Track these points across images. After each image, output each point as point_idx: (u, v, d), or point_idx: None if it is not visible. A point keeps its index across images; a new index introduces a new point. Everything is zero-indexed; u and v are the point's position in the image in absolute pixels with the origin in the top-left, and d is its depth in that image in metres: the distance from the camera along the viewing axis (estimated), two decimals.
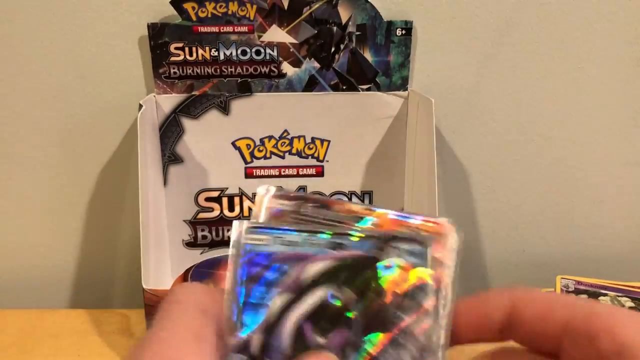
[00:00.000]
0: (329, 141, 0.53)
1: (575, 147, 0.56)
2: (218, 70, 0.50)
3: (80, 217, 0.56)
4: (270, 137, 0.53)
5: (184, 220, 0.54)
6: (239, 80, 0.50)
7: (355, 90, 0.51)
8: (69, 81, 0.51)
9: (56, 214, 0.56)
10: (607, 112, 0.54)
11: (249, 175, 0.53)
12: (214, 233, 0.55)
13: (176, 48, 0.49)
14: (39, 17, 0.49)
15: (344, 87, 0.51)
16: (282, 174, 0.54)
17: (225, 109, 0.51)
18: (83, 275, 0.58)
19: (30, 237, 0.57)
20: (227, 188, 0.54)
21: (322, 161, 0.54)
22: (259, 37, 0.49)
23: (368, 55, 0.50)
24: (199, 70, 0.50)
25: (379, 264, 0.21)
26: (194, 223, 0.54)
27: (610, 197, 0.58)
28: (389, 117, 0.52)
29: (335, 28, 0.49)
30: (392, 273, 0.21)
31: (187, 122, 0.51)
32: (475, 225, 0.58)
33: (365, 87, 0.51)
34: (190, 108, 0.51)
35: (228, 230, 0.55)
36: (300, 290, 0.20)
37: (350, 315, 0.20)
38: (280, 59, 0.50)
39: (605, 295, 0.54)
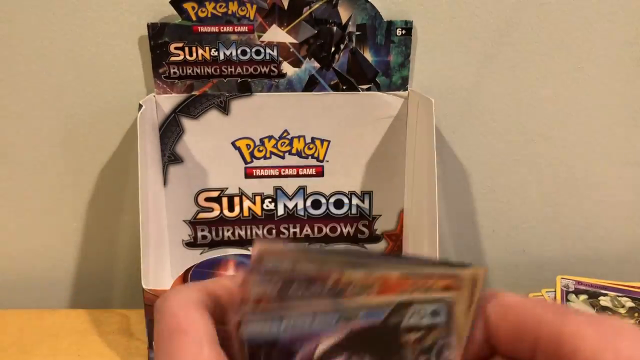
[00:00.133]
0: (329, 141, 0.53)
1: (575, 147, 0.56)
2: (218, 70, 0.50)
3: (80, 217, 0.56)
4: (270, 137, 0.53)
5: (184, 220, 0.54)
6: (239, 80, 0.50)
7: (355, 90, 0.51)
8: (69, 81, 0.51)
9: (56, 214, 0.56)
10: (607, 112, 0.54)
11: (249, 175, 0.53)
12: (213, 233, 0.55)
13: (176, 48, 0.49)
14: (39, 17, 0.49)
15: (344, 87, 0.51)
16: (282, 174, 0.54)
17: (225, 109, 0.51)
18: (83, 275, 0.58)
19: (30, 237, 0.57)
20: (227, 188, 0.54)
21: (322, 161, 0.54)
22: (259, 37, 0.49)
23: (368, 55, 0.50)
24: (198, 70, 0.50)
25: (400, 326, 0.19)
26: (193, 223, 0.54)
27: (610, 197, 0.58)
28: (389, 117, 0.52)
29: (335, 28, 0.49)
30: (413, 335, 0.19)
31: (187, 122, 0.51)
32: (475, 225, 0.58)
33: (365, 87, 0.51)
34: (190, 108, 0.51)
35: (228, 230, 0.55)
36: None
37: None
38: (280, 59, 0.50)
39: (605, 295, 0.54)
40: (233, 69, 0.50)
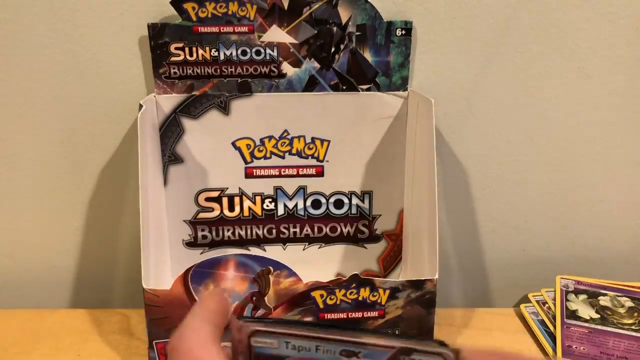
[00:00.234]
0: (329, 141, 0.53)
1: (575, 147, 0.56)
2: (218, 70, 0.50)
3: (80, 217, 0.56)
4: (270, 137, 0.53)
5: (184, 220, 0.54)
6: (239, 81, 0.51)
7: (355, 90, 0.51)
8: (70, 81, 0.51)
9: (56, 214, 0.56)
10: (607, 112, 0.55)
11: (249, 175, 0.54)
12: (214, 233, 0.55)
13: (176, 48, 0.49)
14: (39, 17, 0.49)
15: (344, 87, 0.51)
16: (282, 174, 0.54)
17: (225, 109, 0.51)
18: (83, 275, 0.58)
19: (30, 237, 0.57)
20: (227, 188, 0.54)
21: (322, 161, 0.54)
22: (259, 37, 0.49)
23: (368, 56, 0.50)
24: (199, 71, 0.50)
25: None
26: (194, 223, 0.54)
27: (610, 197, 0.58)
28: (389, 117, 0.52)
29: (335, 28, 0.49)
30: None
31: (187, 122, 0.51)
32: (475, 225, 0.58)
33: (365, 87, 0.51)
34: (191, 108, 0.51)
35: (228, 230, 0.55)
36: None
37: None
38: (280, 59, 0.50)
39: (604, 295, 0.54)
40: (233, 69, 0.50)
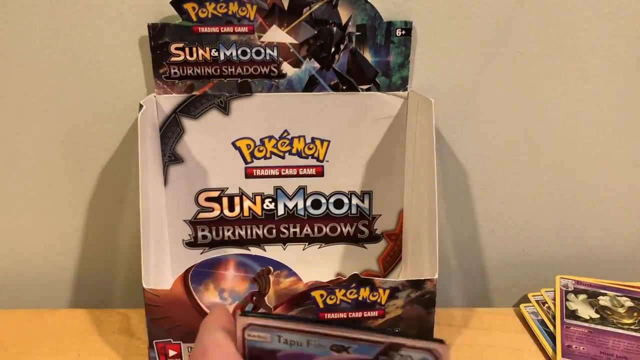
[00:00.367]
0: (329, 141, 0.53)
1: (575, 147, 0.56)
2: (218, 70, 0.50)
3: (80, 217, 0.56)
4: (270, 137, 0.53)
5: (184, 220, 0.54)
6: (239, 81, 0.51)
7: (355, 91, 0.51)
8: (69, 81, 0.51)
9: (56, 214, 0.56)
10: (607, 112, 0.55)
11: (249, 175, 0.54)
12: (214, 233, 0.55)
13: (176, 48, 0.49)
14: (39, 17, 0.49)
15: (344, 87, 0.51)
16: (282, 174, 0.54)
17: (225, 109, 0.51)
18: (83, 275, 0.58)
19: (30, 237, 0.57)
20: (227, 188, 0.54)
21: (322, 161, 0.54)
22: (259, 37, 0.49)
23: (368, 56, 0.50)
24: (199, 71, 0.50)
25: None
26: (194, 223, 0.54)
27: (610, 197, 0.58)
28: (389, 117, 0.53)
29: (335, 28, 0.49)
30: None
31: (187, 122, 0.51)
32: (474, 225, 0.58)
33: (365, 87, 0.51)
34: (191, 108, 0.51)
35: (228, 230, 0.55)
36: None
37: None
38: (280, 59, 0.50)
39: (604, 294, 0.55)
40: (233, 69, 0.50)
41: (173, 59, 0.49)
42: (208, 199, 0.54)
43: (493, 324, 0.53)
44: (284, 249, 0.56)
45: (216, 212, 0.54)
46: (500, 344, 0.50)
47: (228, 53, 0.49)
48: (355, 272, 0.43)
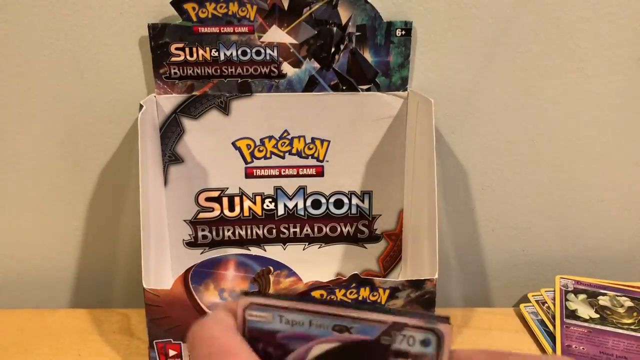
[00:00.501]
0: (329, 141, 0.53)
1: (575, 147, 0.56)
2: (218, 70, 0.50)
3: (81, 217, 0.56)
4: (270, 137, 0.53)
5: (185, 220, 0.54)
6: (239, 81, 0.51)
7: (355, 91, 0.51)
8: (70, 81, 0.51)
9: (56, 214, 0.56)
10: (607, 112, 0.55)
11: (249, 175, 0.54)
12: (214, 233, 0.55)
13: (177, 48, 0.49)
14: (39, 17, 0.49)
15: (344, 88, 0.51)
16: (282, 174, 0.54)
17: (225, 109, 0.51)
18: (83, 275, 0.58)
19: (30, 237, 0.57)
20: (227, 188, 0.54)
21: (322, 161, 0.54)
22: (259, 37, 0.49)
23: (368, 56, 0.50)
24: (199, 71, 0.50)
25: (390, 348, 0.20)
26: (194, 223, 0.54)
27: (610, 197, 0.58)
28: (389, 117, 0.53)
29: (335, 28, 0.50)
30: None
31: (187, 122, 0.51)
32: (474, 225, 0.58)
33: (365, 87, 0.51)
34: (191, 108, 0.51)
35: (228, 230, 0.55)
36: None
37: None
38: (281, 59, 0.50)
39: (604, 294, 0.55)
40: (233, 70, 0.50)
41: (173, 59, 0.49)
42: (208, 199, 0.54)
43: (493, 324, 0.53)
44: (284, 249, 0.56)
45: (216, 212, 0.54)
46: (500, 344, 0.50)
47: (228, 53, 0.49)
48: (355, 272, 0.43)
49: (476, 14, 0.51)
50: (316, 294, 0.43)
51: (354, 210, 0.55)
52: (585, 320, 0.51)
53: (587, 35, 0.52)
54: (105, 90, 0.52)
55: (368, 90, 0.51)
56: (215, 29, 0.49)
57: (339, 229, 0.56)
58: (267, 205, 0.55)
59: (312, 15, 0.49)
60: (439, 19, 0.51)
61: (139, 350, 0.49)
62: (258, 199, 0.54)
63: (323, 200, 0.55)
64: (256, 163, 0.53)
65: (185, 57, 0.49)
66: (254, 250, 0.56)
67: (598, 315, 0.52)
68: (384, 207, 0.55)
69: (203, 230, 0.55)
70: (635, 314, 0.52)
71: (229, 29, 0.49)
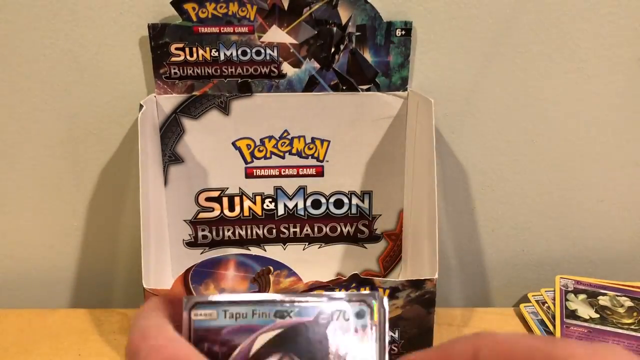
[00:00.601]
0: (329, 141, 0.53)
1: (575, 147, 0.56)
2: (218, 70, 0.50)
3: (81, 217, 0.56)
4: (270, 137, 0.53)
5: (185, 220, 0.54)
6: (239, 81, 0.51)
7: (355, 91, 0.51)
8: (70, 81, 0.51)
9: (56, 214, 0.56)
10: (607, 112, 0.55)
11: (249, 175, 0.54)
12: (214, 233, 0.55)
13: (177, 48, 0.49)
14: (39, 17, 0.49)
15: (344, 88, 0.51)
16: (282, 174, 0.54)
17: (225, 109, 0.51)
18: (83, 275, 0.58)
19: (30, 237, 0.57)
20: (227, 188, 0.54)
21: (322, 161, 0.54)
22: (259, 37, 0.49)
23: (368, 56, 0.50)
24: (199, 71, 0.50)
25: (327, 328, 0.21)
26: (194, 223, 0.54)
27: (610, 197, 0.58)
28: (389, 117, 0.53)
29: (335, 28, 0.50)
30: (339, 336, 0.21)
31: (187, 122, 0.51)
32: (475, 225, 0.58)
33: (365, 87, 0.51)
34: (191, 108, 0.51)
35: (228, 230, 0.55)
36: None
37: None
38: (281, 59, 0.50)
39: (604, 294, 0.55)
40: (233, 70, 0.50)
41: (173, 59, 0.49)
42: (208, 199, 0.54)
43: (493, 324, 0.53)
44: (284, 249, 0.56)
45: (216, 212, 0.54)
46: None
47: (228, 53, 0.49)
48: (355, 272, 0.43)
49: (476, 14, 0.51)
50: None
51: (354, 210, 0.55)
52: (585, 320, 0.51)
53: (587, 35, 0.52)
54: (105, 90, 0.52)
55: (368, 90, 0.52)
56: (215, 29, 0.49)
57: (339, 229, 0.56)
58: (267, 205, 0.55)
59: (312, 15, 0.49)
60: (439, 19, 0.51)
61: None
62: (258, 199, 0.54)
63: (323, 200, 0.55)
64: (256, 163, 0.53)
65: (185, 57, 0.49)
66: (254, 250, 0.56)
67: (598, 315, 0.52)
68: (384, 207, 0.55)
69: (203, 230, 0.55)
70: (635, 314, 0.52)
71: (229, 29, 0.49)
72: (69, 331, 0.52)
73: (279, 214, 0.55)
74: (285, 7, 0.49)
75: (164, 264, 0.53)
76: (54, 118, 0.52)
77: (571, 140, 0.55)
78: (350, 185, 0.55)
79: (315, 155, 0.53)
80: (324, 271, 0.57)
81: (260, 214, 0.55)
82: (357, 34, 0.50)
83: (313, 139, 0.53)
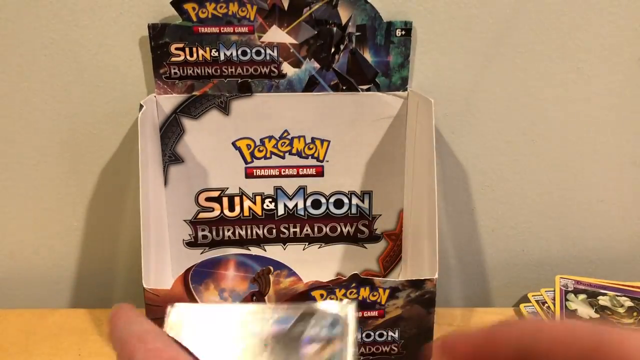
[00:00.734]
0: (329, 141, 0.53)
1: (575, 147, 0.56)
2: (218, 70, 0.50)
3: (81, 217, 0.56)
4: (270, 137, 0.53)
5: (185, 220, 0.54)
6: (239, 81, 0.51)
7: (355, 91, 0.51)
8: (70, 81, 0.51)
9: (56, 214, 0.56)
10: (607, 112, 0.55)
11: (249, 175, 0.54)
12: (214, 233, 0.55)
13: (177, 48, 0.49)
14: (39, 17, 0.49)
15: (344, 88, 0.51)
16: (282, 174, 0.54)
17: (225, 109, 0.51)
18: (83, 274, 0.58)
19: (30, 237, 0.57)
20: (227, 188, 0.54)
21: (322, 161, 0.54)
22: (259, 37, 0.49)
23: (368, 56, 0.50)
24: (199, 71, 0.50)
25: (303, 334, 0.22)
26: (194, 223, 0.54)
27: (610, 197, 0.58)
28: (389, 117, 0.53)
29: (335, 28, 0.50)
30: (313, 346, 0.22)
31: (187, 122, 0.51)
32: (474, 225, 0.58)
33: (365, 87, 0.51)
34: (191, 108, 0.51)
35: (228, 230, 0.55)
36: None
37: None
38: (281, 59, 0.50)
39: (604, 294, 0.55)
40: (233, 70, 0.50)
41: (173, 59, 0.49)
42: (208, 199, 0.54)
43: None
44: (284, 249, 0.56)
45: (216, 212, 0.54)
46: None
47: (228, 53, 0.49)
48: (355, 272, 0.43)
49: (476, 14, 0.51)
50: (316, 294, 0.43)
51: (354, 210, 0.55)
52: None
53: (587, 35, 0.52)
54: (105, 90, 0.52)
55: (368, 90, 0.52)
56: (215, 29, 0.49)
57: (339, 229, 0.56)
58: (267, 205, 0.55)
59: (312, 15, 0.49)
60: (439, 19, 0.51)
61: None
62: (258, 199, 0.54)
63: (323, 200, 0.55)
64: (256, 163, 0.53)
65: (185, 57, 0.49)
66: (254, 250, 0.56)
67: (598, 315, 0.52)
68: (384, 207, 0.55)
69: (203, 230, 0.55)
70: (635, 314, 0.52)
71: (229, 29, 0.49)
72: (69, 331, 0.52)
73: (279, 214, 0.55)
74: (285, 7, 0.49)
75: (164, 264, 0.53)
76: (54, 118, 0.52)
77: (571, 140, 0.55)
78: (350, 185, 0.55)
79: (315, 155, 0.53)
80: (324, 271, 0.57)
81: (260, 214, 0.55)
82: (357, 34, 0.50)
83: (313, 139, 0.53)
